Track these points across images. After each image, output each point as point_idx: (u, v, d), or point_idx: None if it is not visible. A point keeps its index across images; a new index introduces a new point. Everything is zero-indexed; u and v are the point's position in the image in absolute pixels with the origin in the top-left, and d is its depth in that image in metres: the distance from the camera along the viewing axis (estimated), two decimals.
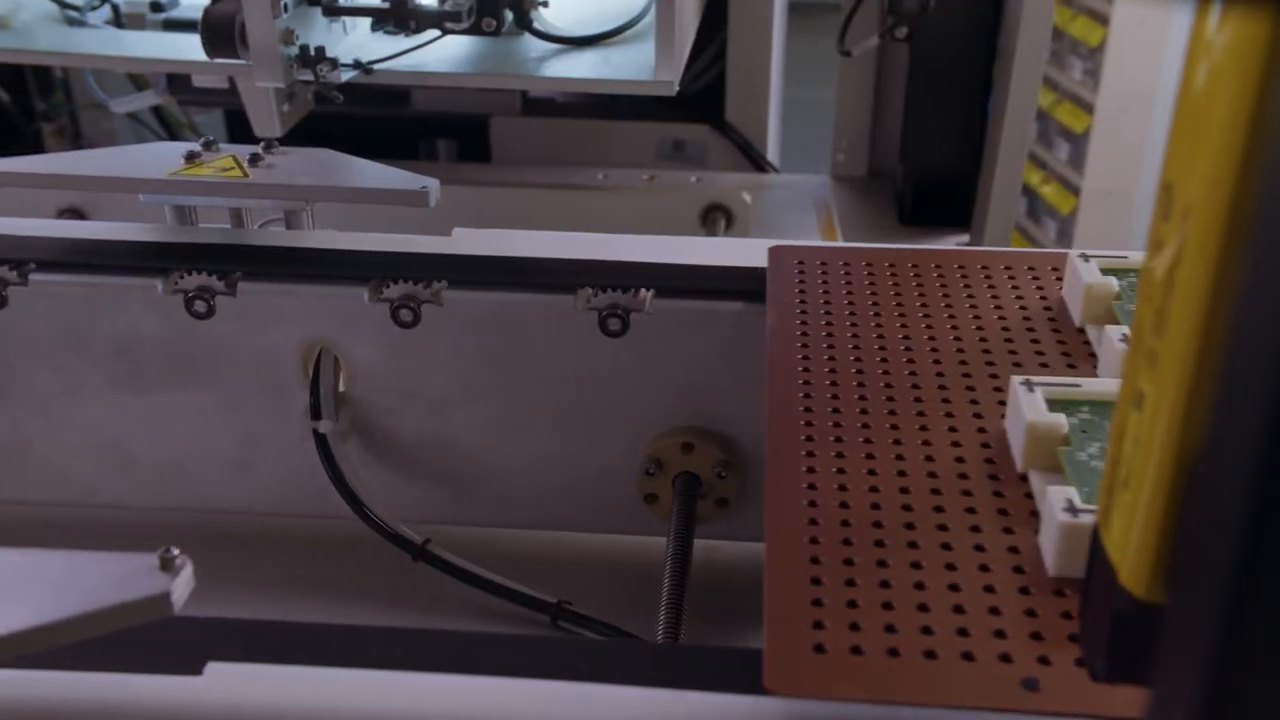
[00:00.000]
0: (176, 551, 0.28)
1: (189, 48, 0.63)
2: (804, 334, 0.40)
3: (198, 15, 0.61)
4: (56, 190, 0.71)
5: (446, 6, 0.59)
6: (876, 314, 0.42)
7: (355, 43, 0.63)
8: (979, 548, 0.30)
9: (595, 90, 0.60)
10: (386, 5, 0.59)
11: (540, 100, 1.03)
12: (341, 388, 0.50)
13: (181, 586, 0.28)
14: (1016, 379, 0.35)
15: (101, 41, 0.63)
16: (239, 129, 0.95)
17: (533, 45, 0.64)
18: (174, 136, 0.96)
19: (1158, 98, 1.48)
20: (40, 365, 0.50)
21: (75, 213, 0.74)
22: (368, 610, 0.49)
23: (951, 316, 0.41)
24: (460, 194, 0.76)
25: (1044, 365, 0.39)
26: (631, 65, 0.61)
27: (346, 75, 0.59)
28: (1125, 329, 0.38)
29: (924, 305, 0.42)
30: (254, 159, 0.50)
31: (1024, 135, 0.76)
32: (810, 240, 0.78)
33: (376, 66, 0.59)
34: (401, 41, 0.63)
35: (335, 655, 0.29)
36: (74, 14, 0.64)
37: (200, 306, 0.49)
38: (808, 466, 0.33)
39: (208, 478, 0.52)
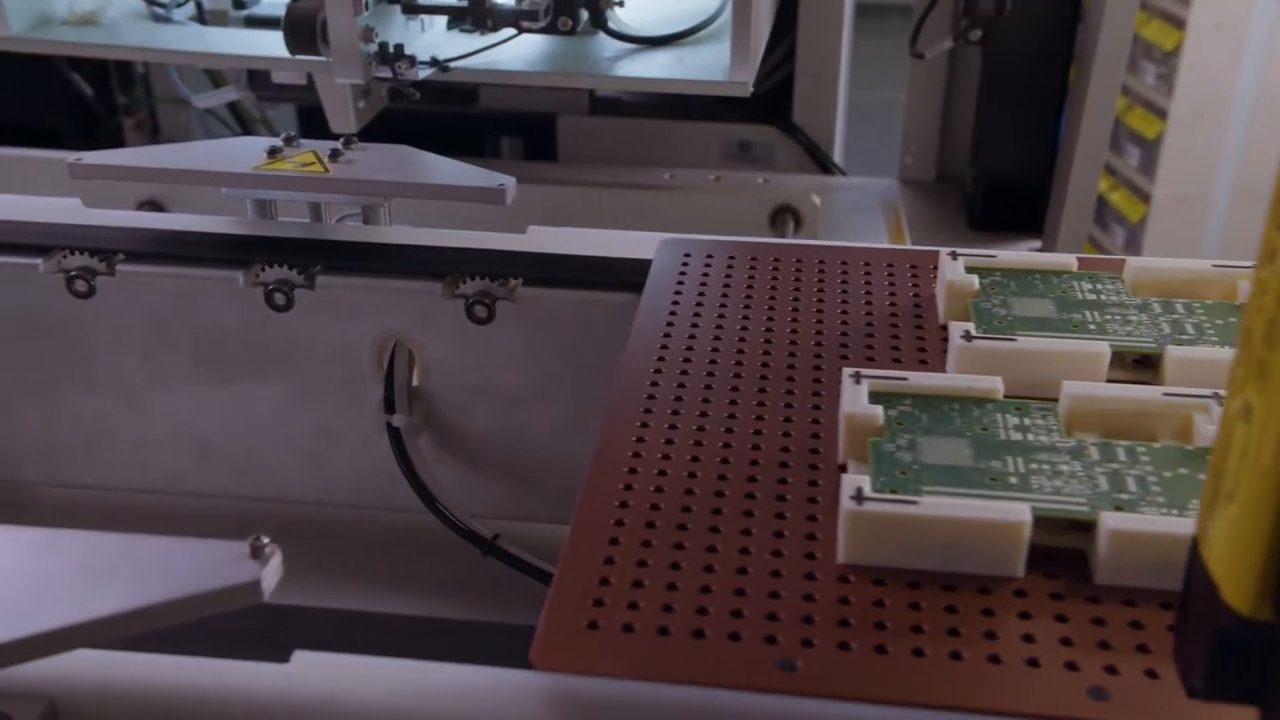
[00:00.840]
0: (266, 540, 0.28)
1: (269, 44, 0.64)
2: (670, 323, 0.41)
3: (278, 13, 0.62)
4: (137, 182, 0.73)
5: (524, 5, 0.60)
6: (747, 306, 0.43)
7: (431, 41, 0.64)
8: (779, 534, 0.31)
9: (669, 90, 0.60)
10: (464, 4, 0.60)
11: (607, 99, 1.03)
12: (415, 382, 0.51)
13: (271, 574, 0.28)
14: (847, 371, 0.35)
15: (186, 38, 0.64)
16: (311, 125, 0.97)
17: (606, 44, 0.64)
18: (248, 131, 0.98)
19: (1235, 103, 1.45)
20: (126, 354, 0.51)
21: (154, 205, 0.76)
22: (438, 603, 0.49)
23: (820, 311, 0.42)
24: (527, 192, 0.77)
25: (897, 360, 0.39)
26: (706, 65, 0.61)
27: (424, 73, 0.59)
28: (969, 326, 0.38)
29: (796, 299, 0.43)
30: (334, 155, 0.51)
31: (1101, 142, 0.75)
32: (879, 243, 0.77)
33: (453, 64, 0.60)
34: (476, 40, 0.64)
35: (416, 647, 0.30)
36: (160, 10, 0.66)
37: (279, 299, 0.49)
38: (634, 451, 0.34)
39: (283, 468, 0.53)
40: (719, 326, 0.41)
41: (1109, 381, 0.37)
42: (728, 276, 0.45)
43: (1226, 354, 0.38)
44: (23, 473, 0.54)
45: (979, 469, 0.32)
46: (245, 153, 0.51)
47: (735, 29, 0.57)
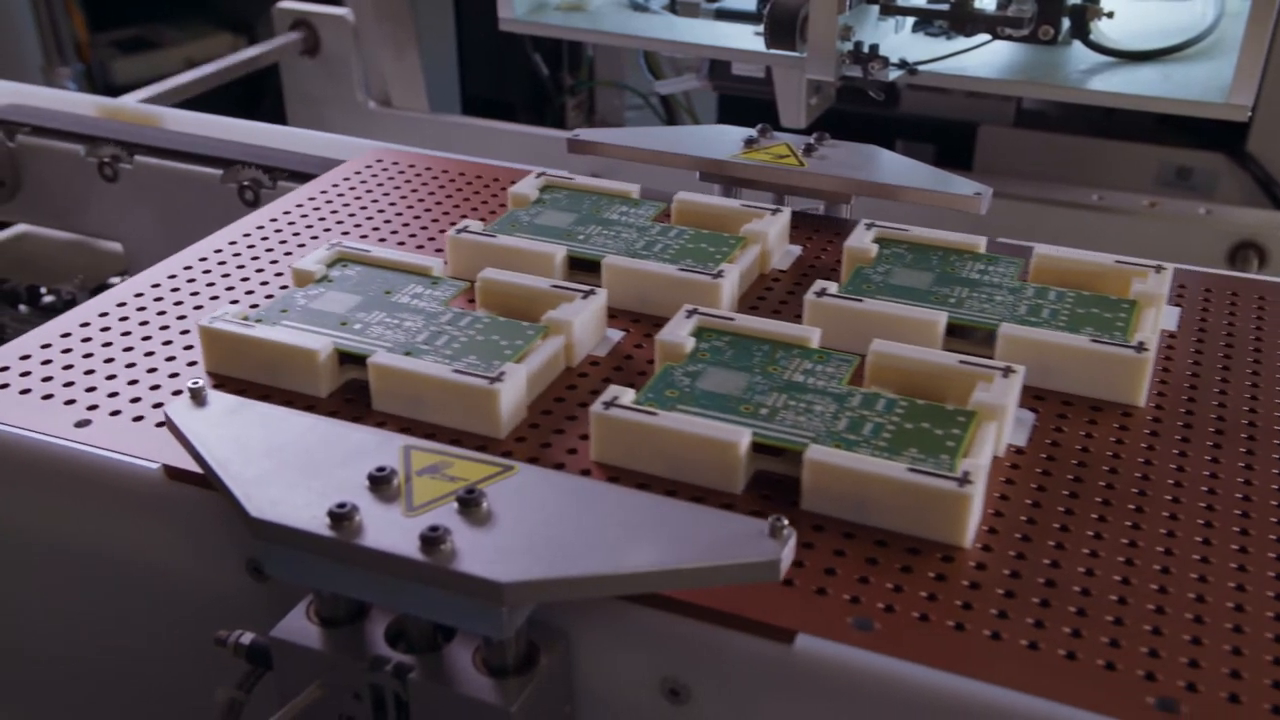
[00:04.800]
0: (785, 522, 0.29)
1: (734, 36, 0.66)
2: (299, 208, 0.48)
3: (747, 6, 0.64)
4: (583, 157, 0.78)
5: (1009, 11, 0.58)
6: (365, 213, 0.49)
7: (897, 42, 0.63)
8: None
9: (1156, 109, 0.56)
10: (945, 6, 0.59)
11: (1033, 112, 0.99)
12: None
13: (787, 555, 0.29)
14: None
15: (659, 27, 0.68)
16: (727, 115, 0.99)
17: (1079, 56, 0.61)
18: (673, 119, 1.02)
19: None
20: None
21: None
22: None
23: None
24: None
25: None
26: (1199, 84, 0.56)
27: (894, 74, 0.59)
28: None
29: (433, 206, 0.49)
30: (808, 149, 0.52)
31: None
32: None
33: (923, 68, 0.59)
34: (938, 42, 0.63)
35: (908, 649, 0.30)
36: (638, 0, 0.69)
37: None
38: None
39: None
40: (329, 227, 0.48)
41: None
42: (385, 186, 0.51)
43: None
44: None
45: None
46: (723, 141, 0.53)
47: (1246, 47, 0.53)
